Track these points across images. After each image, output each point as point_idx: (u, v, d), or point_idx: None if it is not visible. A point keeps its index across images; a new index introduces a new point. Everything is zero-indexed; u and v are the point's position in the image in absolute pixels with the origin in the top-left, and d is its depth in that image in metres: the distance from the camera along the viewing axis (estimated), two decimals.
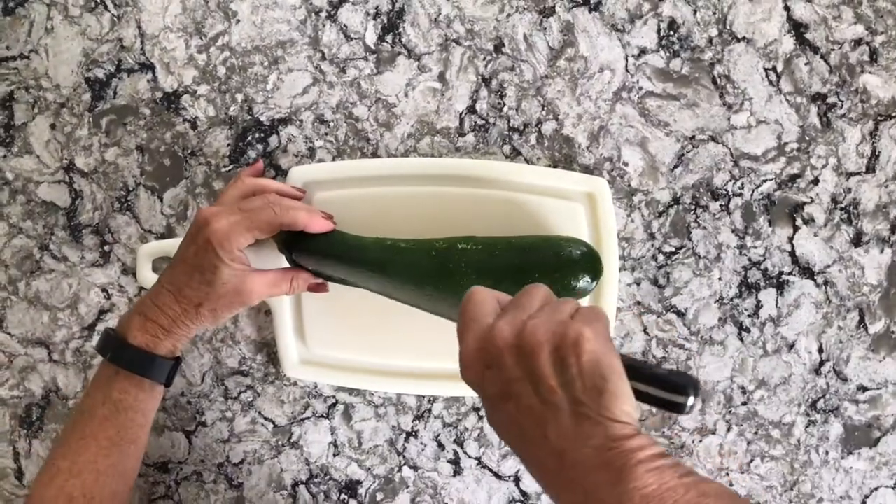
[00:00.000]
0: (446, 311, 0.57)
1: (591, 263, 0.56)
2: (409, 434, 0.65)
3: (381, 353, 0.62)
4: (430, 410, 0.65)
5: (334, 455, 0.65)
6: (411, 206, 0.61)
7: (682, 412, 0.37)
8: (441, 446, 0.65)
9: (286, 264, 0.60)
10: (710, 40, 0.64)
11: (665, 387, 0.38)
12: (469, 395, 0.64)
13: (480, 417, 0.65)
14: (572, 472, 0.35)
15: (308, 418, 0.65)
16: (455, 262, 0.56)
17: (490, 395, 0.38)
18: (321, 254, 0.57)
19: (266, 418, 0.65)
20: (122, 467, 0.54)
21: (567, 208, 0.61)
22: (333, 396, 0.65)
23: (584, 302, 0.60)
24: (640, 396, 0.38)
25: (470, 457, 0.65)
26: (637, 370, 0.38)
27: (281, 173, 0.64)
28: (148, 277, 0.62)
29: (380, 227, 0.60)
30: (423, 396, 0.64)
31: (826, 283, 0.64)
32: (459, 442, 0.65)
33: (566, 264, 0.56)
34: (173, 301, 0.54)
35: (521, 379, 0.37)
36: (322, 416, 0.65)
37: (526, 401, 0.37)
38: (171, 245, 0.62)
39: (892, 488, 0.65)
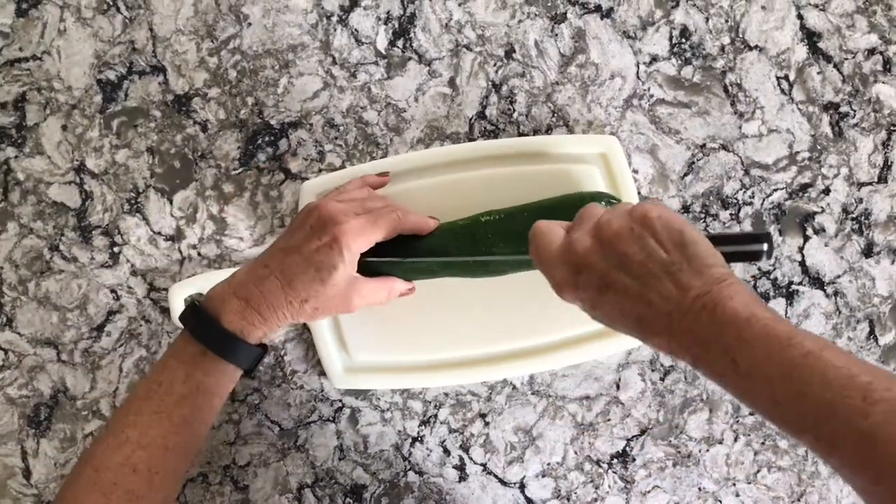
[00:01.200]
0: (483, 273, 0.59)
1: None
2: (414, 439, 0.65)
3: (422, 349, 0.62)
4: (436, 416, 0.65)
5: (340, 459, 0.65)
6: (428, 198, 0.61)
7: (760, 259, 0.44)
8: (447, 452, 0.65)
9: None
10: (723, 48, 0.63)
11: (743, 241, 0.44)
12: (494, 382, 0.64)
13: (486, 423, 0.64)
14: (682, 325, 0.39)
15: (314, 422, 0.65)
16: (481, 235, 0.57)
17: (590, 296, 0.43)
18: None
19: (272, 421, 0.65)
20: (189, 447, 0.53)
21: (582, 171, 0.60)
22: (340, 400, 0.65)
23: None
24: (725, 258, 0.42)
25: (475, 463, 0.65)
26: (714, 237, 0.43)
27: (290, 177, 0.64)
28: None
29: None
30: (429, 402, 0.64)
31: (836, 293, 0.64)
32: (465, 448, 0.65)
33: None
34: (280, 291, 0.52)
35: (611, 268, 0.42)
36: (328, 420, 0.65)
37: (622, 284, 0.41)
38: (202, 282, 0.62)
39: None
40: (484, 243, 0.57)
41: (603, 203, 0.56)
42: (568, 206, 0.56)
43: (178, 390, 0.52)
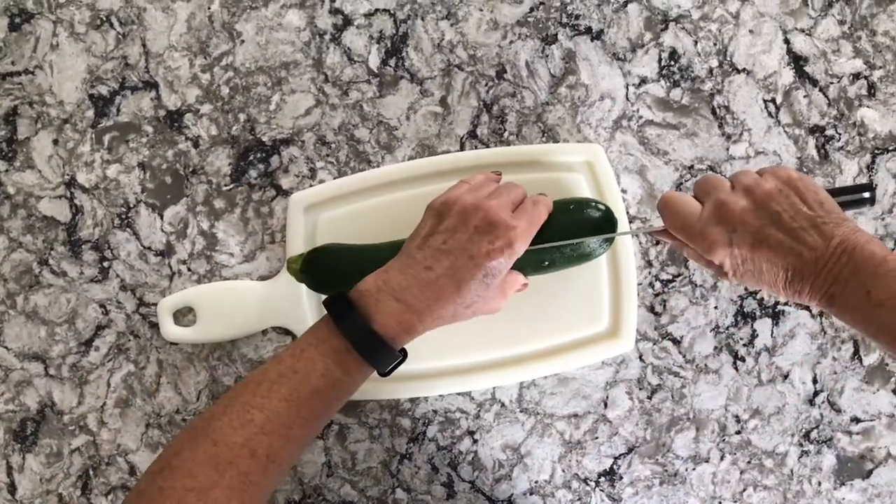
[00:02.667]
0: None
1: (604, 219, 0.57)
2: (403, 456, 0.65)
3: (415, 357, 0.62)
4: (424, 433, 0.65)
5: (328, 475, 0.65)
6: (418, 207, 0.60)
7: (865, 205, 0.52)
8: (435, 469, 0.65)
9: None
10: (711, 71, 0.64)
11: (852, 192, 0.52)
12: (483, 399, 0.64)
13: (475, 441, 0.65)
14: (825, 269, 0.45)
15: None
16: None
17: (744, 251, 0.47)
18: (343, 272, 0.57)
19: None
20: (309, 439, 0.50)
21: (569, 179, 0.61)
22: None
23: (602, 260, 0.62)
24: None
25: (464, 480, 0.65)
26: (831, 191, 0.49)
27: (282, 193, 0.65)
28: (173, 332, 0.62)
29: (391, 233, 0.59)
30: (418, 419, 0.64)
31: (821, 313, 0.65)
32: (453, 465, 0.65)
33: (580, 225, 0.56)
34: (450, 296, 0.50)
35: (765, 224, 0.47)
36: (317, 437, 0.65)
37: (775, 238, 0.46)
38: (190, 295, 0.63)
39: None
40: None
41: (593, 206, 0.57)
42: (558, 214, 0.56)
43: (313, 383, 0.49)
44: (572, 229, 0.56)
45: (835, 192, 0.50)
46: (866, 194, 0.52)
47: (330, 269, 0.58)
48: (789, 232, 0.46)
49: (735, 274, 0.49)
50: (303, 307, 0.62)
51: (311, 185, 0.64)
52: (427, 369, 0.63)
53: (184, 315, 0.64)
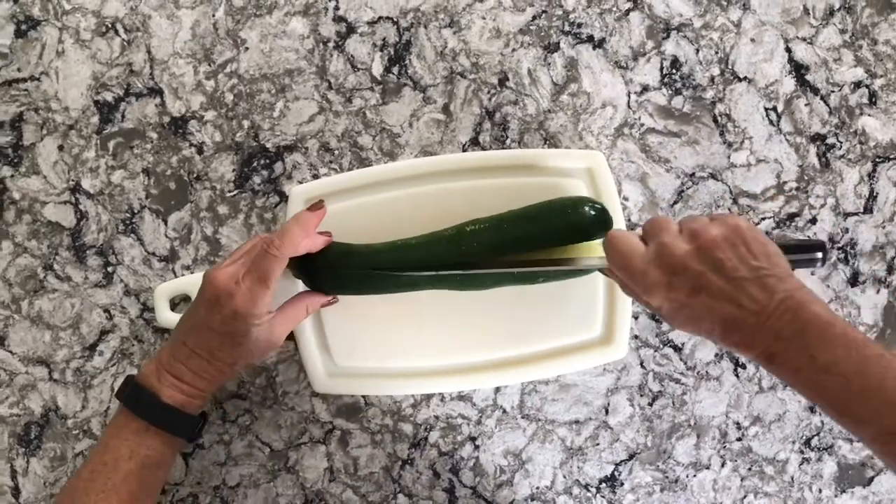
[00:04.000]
0: (470, 287, 0.60)
1: (599, 218, 0.57)
2: (404, 461, 0.65)
3: (406, 355, 0.63)
4: (426, 438, 0.65)
5: (330, 481, 0.65)
6: (416, 206, 0.61)
7: (817, 265, 0.51)
8: (436, 475, 0.65)
9: (302, 287, 0.61)
10: (712, 79, 0.65)
11: (804, 250, 0.51)
12: (485, 406, 0.65)
13: (476, 447, 0.65)
14: (766, 324, 0.43)
15: (305, 443, 0.65)
16: (467, 244, 0.57)
17: (681, 297, 0.46)
18: (339, 272, 0.59)
19: (263, 442, 0.65)
20: None
21: (568, 185, 0.61)
22: (331, 422, 0.65)
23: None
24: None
25: (465, 486, 0.65)
26: (782, 246, 0.48)
27: (285, 199, 0.65)
28: (167, 317, 0.63)
29: (388, 230, 0.60)
30: (420, 424, 0.65)
31: None
32: (455, 471, 0.65)
33: (574, 224, 0.56)
34: (207, 364, 0.54)
35: (706, 271, 0.45)
36: (319, 442, 0.65)
37: (716, 286, 0.45)
38: (187, 283, 0.63)
39: None
40: (470, 253, 0.57)
41: (587, 207, 0.56)
42: (552, 214, 0.57)
43: (123, 467, 0.53)
44: (568, 228, 0.56)
45: (786, 249, 0.48)
46: (818, 254, 0.50)
47: (325, 264, 0.59)
48: (731, 281, 0.44)
49: (673, 319, 0.48)
50: None
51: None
52: (422, 368, 0.63)
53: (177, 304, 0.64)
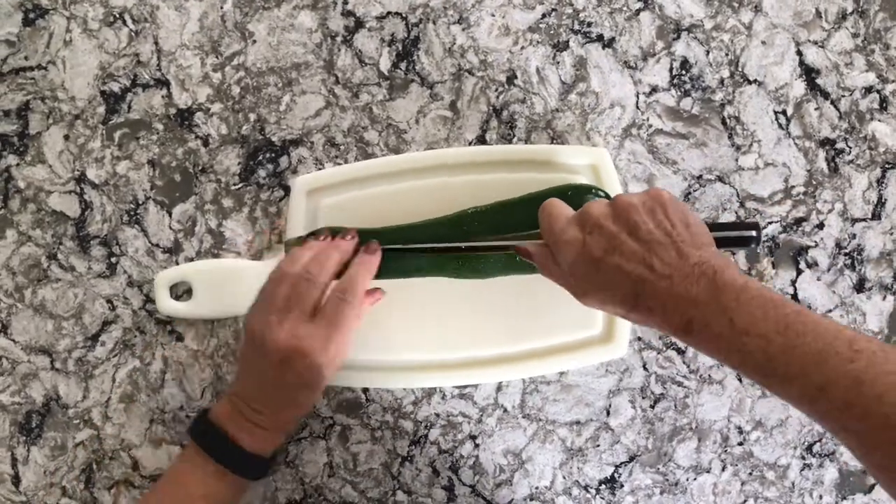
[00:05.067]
0: (471, 273, 0.59)
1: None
2: (404, 458, 0.65)
3: (408, 349, 0.63)
4: (426, 436, 0.65)
5: (329, 476, 0.65)
6: (419, 199, 0.61)
7: (749, 245, 0.50)
8: (436, 472, 0.65)
9: None
10: (722, 81, 0.64)
11: (735, 228, 0.50)
12: (485, 404, 0.65)
13: (476, 445, 0.65)
14: (680, 287, 0.42)
15: (305, 438, 0.65)
16: (469, 224, 0.58)
17: (595, 255, 0.45)
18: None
19: None
20: None
21: (572, 181, 0.61)
22: (331, 417, 0.65)
23: None
24: (717, 243, 0.47)
25: (464, 484, 0.65)
26: (710, 225, 0.47)
27: (290, 194, 0.65)
28: (168, 305, 0.63)
29: (391, 221, 0.60)
30: (420, 422, 0.65)
31: None
32: (454, 469, 0.65)
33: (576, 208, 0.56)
34: (290, 415, 0.55)
35: (621, 232, 0.45)
36: (319, 437, 0.65)
37: (629, 247, 0.44)
38: (187, 271, 0.63)
39: None
40: (472, 232, 0.57)
41: (590, 194, 0.57)
42: (553, 195, 0.56)
43: None
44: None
45: (714, 227, 0.48)
46: (752, 232, 0.49)
47: None
48: (644, 243, 0.44)
49: (586, 286, 0.47)
50: None
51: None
52: (423, 362, 0.63)
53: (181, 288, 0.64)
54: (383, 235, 0.58)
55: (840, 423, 0.38)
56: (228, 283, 0.63)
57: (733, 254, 0.64)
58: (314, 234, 0.59)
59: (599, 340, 0.62)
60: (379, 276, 0.59)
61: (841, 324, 0.40)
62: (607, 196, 0.57)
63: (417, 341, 0.62)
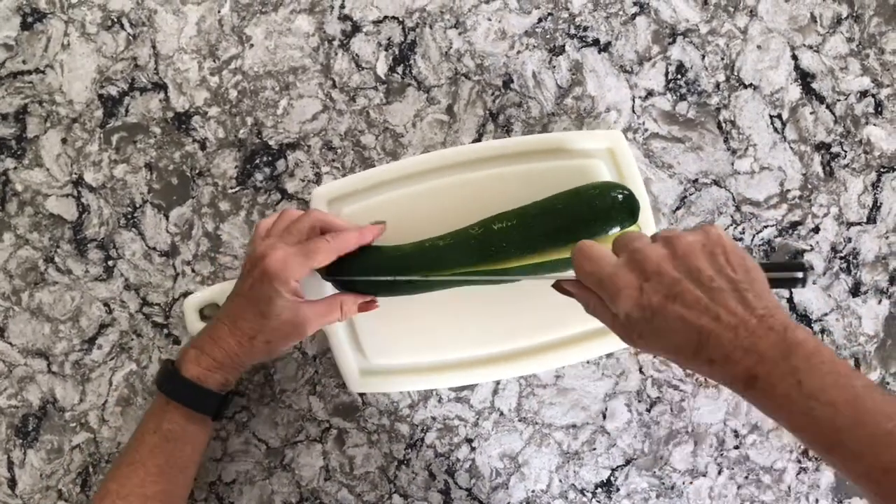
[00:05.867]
0: (498, 282, 0.59)
1: (626, 204, 0.56)
2: (400, 462, 0.65)
3: (440, 348, 0.62)
4: (422, 439, 0.65)
5: (325, 479, 0.65)
6: (440, 199, 0.61)
7: (797, 286, 0.48)
8: (432, 476, 0.65)
9: (331, 291, 0.61)
10: (718, 85, 0.64)
11: (784, 269, 0.49)
12: (482, 407, 0.65)
13: (473, 449, 0.65)
14: (747, 341, 0.40)
15: (301, 441, 0.65)
16: (496, 245, 0.57)
17: (654, 303, 0.43)
18: (366, 274, 0.58)
19: (259, 439, 0.65)
20: (169, 494, 0.56)
21: (589, 166, 0.60)
22: (327, 421, 0.65)
23: None
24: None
25: (461, 488, 0.65)
26: (762, 265, 0.46)
27: (287, 197, 0.65)
28: (197, 326, 0.63)
29: (414, 226, 0.60)
30: (417, 425, 0.65)
31: (823, 331, 0.65)
32: (451, 472, 0.65)
33: (602, 212, 0.55)
34: (228, 334, 0.55)
35: (682, 278, 0.43)
36: (315, 440, 0.65)
37: (690, 295, 0.42)
38: (215, 292, 0.63)
39: None
40: (500, 252, 0.57)
41: (614, 193, 0.55)
42: (578, 204, 0.56)
43: (148, 441, 0.55)
44: (595, 217, 0.55)
45: (765, 267, 0.46)
46: (799, 274, 0.48)
47: (354, 268, 0.58)
48: (708, 290, 0.42)
49: (641, 332, 0.44)
50: None
51: (333, 180, 0.65)
52: (426, 363, 0.63)
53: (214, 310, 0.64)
54: (410, 256, 0.58)
55: None
56: None
57: None
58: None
59: (601, 333, 0.62)
60: (408, 293, 0.59)
61: None
62: (630, 194, 0.56)
63: (450, 339, 0.62)
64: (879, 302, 0.65)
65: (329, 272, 0.59)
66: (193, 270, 0.65)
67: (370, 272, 0.58)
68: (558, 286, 0.52)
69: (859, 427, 0.37)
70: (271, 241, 0.55)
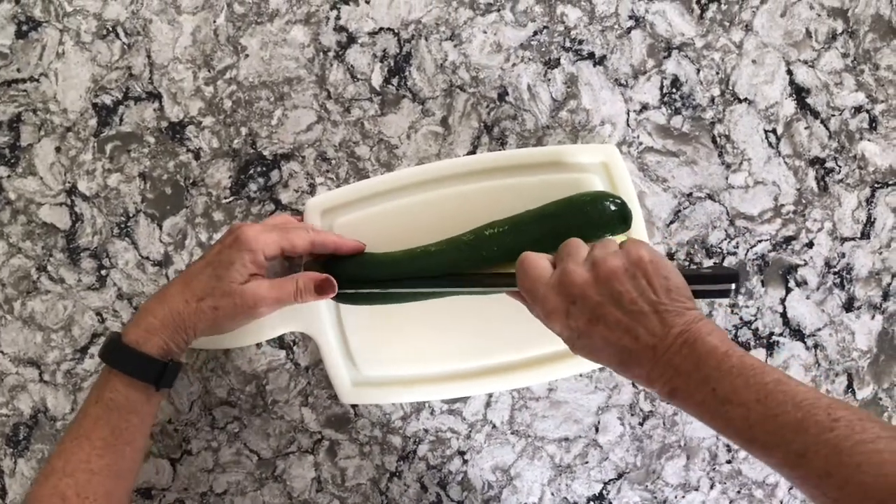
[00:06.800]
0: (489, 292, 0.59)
1: (619, 212, 0.56)
2: (392, 474, 0.65)
3: (433, 360, 0.63)
4: (415, 451, 0.65)
5: (317, 491, 0.65)
6: (434, 211, 0.61)
7: (728, 297, 0.51)
8: (424, 488, 0.65)
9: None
10: (712, 100, 0.64)
11: (713, 280, 0.51)
12: (474, 420, 0.64)
13: (465, 461, 0.65)
14: (664, 358, 0.44)
15: (293, 452, 0.65)
16: (487, 250, 0.57)
17: (580, 325, 0.46)
18: (358, 279, 0.59)
19: (251, 450, 0.65)
20: (117, 468, 0.53)
21: (583, 180, 0.61)
22: (319, 432, 0.65)
23: None
24: (694, 294, 0.47)
25: (452, 500, 0.65)
26: (688, 277, 0.48)
27: (281, 208, 0.65)
28: (200, 341, 0.63)
29: (407, 237, 0.61)
30: (409, 437, 0.65)
31: (816, 346, 0.65)
32: (443, 484, 0.65)
33: (594, 220, 0.56)
34: (177, 292, 0.54)
35: (605, 302, 0.46)
36: (307, 452, 0.65)
37: (613, 317, 0.45)
38: None
39: None
40: (491, 258, 0.57)
41: (607, 203, 0.56)
42: (570, 212, 0.56)
43: (91, 412, 0.53)
44: (588, 225, 0.56)
45: (694, 279, 0.48)
46: (731, 285, 0.50)
47: (346, 275, 0.59)
48: (628, 313, 0.45)
49: (574, 347, 0.48)
50: (320, 310, 0.63)
51: (327, 191, 0.65)
52: (418, 375, 0.63)
53: None
54: (401, 262, 0.59)
55: (820, 490, 0.39)
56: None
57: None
58: (332, 268, 0.60)
59: None
60: (400, 301, 0.60)
61: (815, 390, 0.41)
62: (623, 203, 0.56)
63: (442, 352, 0.62)
64: (873, 317, 0.65)
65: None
66: None
67: (361, 277, 0.59)
68: (514, 294, 0.54)
69: (770, 420, 0.40)
70: (256, 223, 0.56)
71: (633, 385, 0.64)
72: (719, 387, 0.42)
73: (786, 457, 0.40)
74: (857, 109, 0.64)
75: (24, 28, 0.65)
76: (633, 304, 0.45)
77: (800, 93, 0.64)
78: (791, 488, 0.64)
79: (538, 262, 0.50)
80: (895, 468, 0.36)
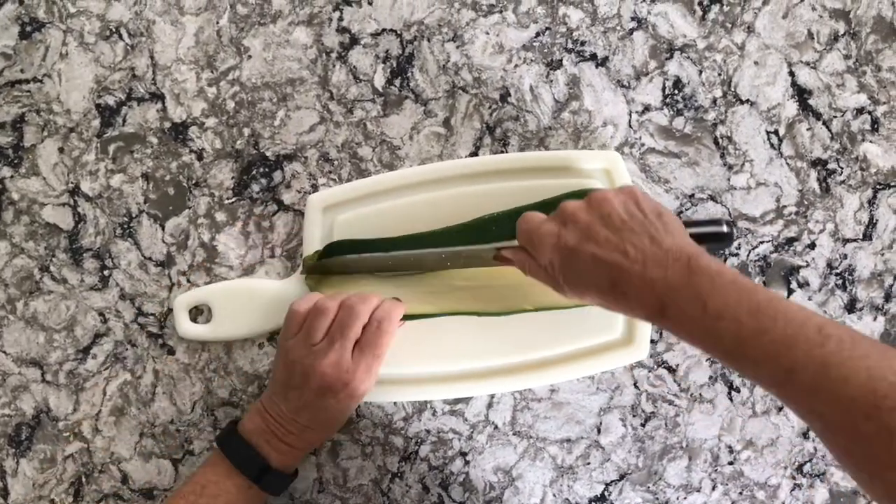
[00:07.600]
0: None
1: None
2: (394, 475, 0.65)
3: (435, 360, 0.62)
4: (416, 452, 0.65)
5: (319, 491, 0.65)
6: (434, 210, 0.62)
7: (723, 240, 0.53)
8: (426, 489, 0.65)
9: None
10: (714, 101, 0.64)
11: (708, 224, 0.53)
12: (476, 421, 0.64)
13: (467, 462, 0.65)
14: (654, 272, 0.44)
15: None
16: (486, 227, 0.60)
17: (570, 244, 0.47)
18: (354, 266, 0.61)
19: None
20: None
21: (585, 185, 0.61)
22: None
23: None
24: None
25: (454, 501, 0.65)
26: (685, 222, 0.49)
27: (283, 208, 0.65)
28: (188, 328, 0.63)
29: (408, 232, 0.62)
30: (411, 438, 0.65)
31: None
32: (444, 485, 0.65)
33: None
34: (318, 437, 0.59)
35: (595, 222, 0.47)
36: (309, 452, 0.65)
37: (603, 235, 0.46)
38: (206, 293, 0.63)
39: None
40: (489, 234, 0.59)
41: None
42: (570, 199, 0.57)
43: (184, 491, 0.55)
44: None
45: (690, 224, 0.51)
46: (724, 228, 0.52)
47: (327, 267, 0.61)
48: (617, 231, 0.46)
49: (564, 276, 0.48)
50: None
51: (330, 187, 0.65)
52: (420, 375, 0.63)
53: (199, 314, 0.64)
54: (400, 244, 0.60)
55: (807, 406, 0.38)
56: (248, 303, 0.63)
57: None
58: (330, 248, 0.61)
59: (621, 344, 0.62)
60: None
61: (808, 309, 0.41)
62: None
63: (448, 351, 0.62)
64: (875, 319, 0.65)
65: (314, 269, 0.62)
66: (189, 281, 0.65)
67: (357, 261, 0.61)
68: (499, 256, 0.55)
69: (761, 334, 0.40)
70: (334, 359, 0.55)
71: (636, 386, 0.64)
72: (711, 301, 0.42)
73: (775, 373, 0.39)
74: (859, 111, 0.64)
75: (28, 29, 0.65)
76: (623, 224, 0.46)
77: (802, 94, 0.64)
78: (793, 490, 0.64)
79: (538, 214, 0.53)
80: (884, 383, 0.36)
